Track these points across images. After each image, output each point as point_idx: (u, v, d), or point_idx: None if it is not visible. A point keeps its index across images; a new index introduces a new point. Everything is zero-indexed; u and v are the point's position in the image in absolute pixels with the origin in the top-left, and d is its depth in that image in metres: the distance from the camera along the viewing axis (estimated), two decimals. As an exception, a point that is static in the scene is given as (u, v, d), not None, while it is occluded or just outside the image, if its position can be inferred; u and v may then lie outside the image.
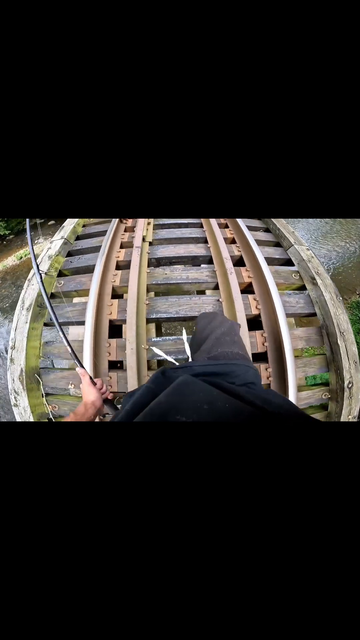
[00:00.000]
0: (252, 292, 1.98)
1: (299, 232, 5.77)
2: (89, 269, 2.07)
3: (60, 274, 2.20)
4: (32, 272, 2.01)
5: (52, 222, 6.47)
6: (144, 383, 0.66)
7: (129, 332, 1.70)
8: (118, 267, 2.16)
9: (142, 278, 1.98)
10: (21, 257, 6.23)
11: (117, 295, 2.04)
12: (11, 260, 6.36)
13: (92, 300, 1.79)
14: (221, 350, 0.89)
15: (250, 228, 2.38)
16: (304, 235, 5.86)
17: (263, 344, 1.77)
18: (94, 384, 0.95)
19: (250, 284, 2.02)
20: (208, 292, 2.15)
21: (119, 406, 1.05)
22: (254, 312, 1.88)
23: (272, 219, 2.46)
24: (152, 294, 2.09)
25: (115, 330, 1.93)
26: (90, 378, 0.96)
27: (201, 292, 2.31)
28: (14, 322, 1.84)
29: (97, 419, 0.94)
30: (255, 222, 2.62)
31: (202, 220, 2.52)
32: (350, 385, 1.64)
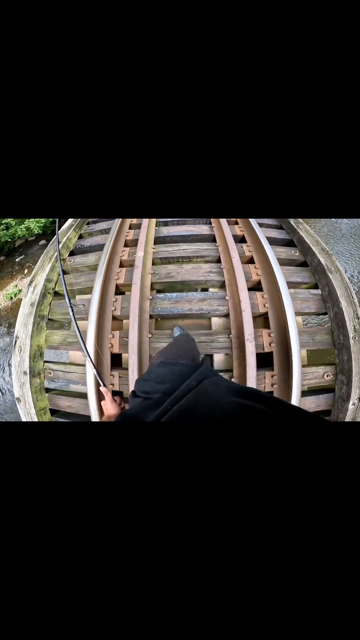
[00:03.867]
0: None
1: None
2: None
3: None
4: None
5: (42, 241, 5.67)
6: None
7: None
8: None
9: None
10: (12, 298, 5.25)
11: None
12: (1, 299, 5.37)
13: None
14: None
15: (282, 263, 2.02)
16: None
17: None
18: (114, 400, 1.07)
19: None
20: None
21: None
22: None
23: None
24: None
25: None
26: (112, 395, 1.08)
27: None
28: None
29: None
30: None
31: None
32: None
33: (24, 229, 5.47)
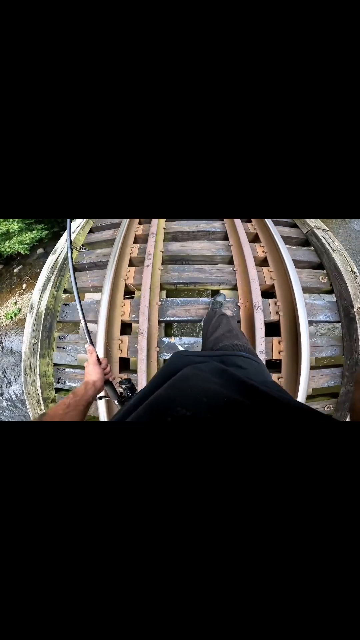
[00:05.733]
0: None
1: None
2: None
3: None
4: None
5: (40, 250, 5.42)
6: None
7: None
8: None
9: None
10: (12, 317, 5.08)
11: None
12: (2, 318, 5.12)
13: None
14: (222, 344, 0.96)
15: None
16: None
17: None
18: (99, 363, 0.93)
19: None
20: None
21: (119, 390, 1.04)
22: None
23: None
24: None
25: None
26: (97, 357, 0.94)
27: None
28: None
29: (96, 399, 0.91)
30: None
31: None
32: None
33: (8, 248, 5.16)
